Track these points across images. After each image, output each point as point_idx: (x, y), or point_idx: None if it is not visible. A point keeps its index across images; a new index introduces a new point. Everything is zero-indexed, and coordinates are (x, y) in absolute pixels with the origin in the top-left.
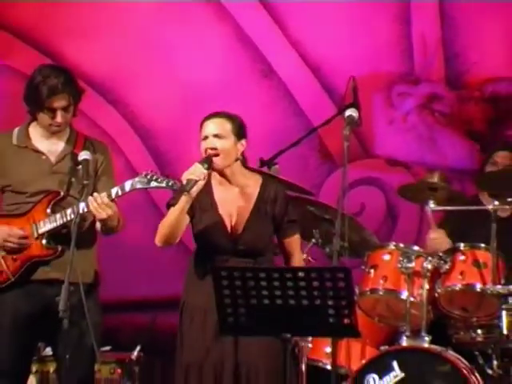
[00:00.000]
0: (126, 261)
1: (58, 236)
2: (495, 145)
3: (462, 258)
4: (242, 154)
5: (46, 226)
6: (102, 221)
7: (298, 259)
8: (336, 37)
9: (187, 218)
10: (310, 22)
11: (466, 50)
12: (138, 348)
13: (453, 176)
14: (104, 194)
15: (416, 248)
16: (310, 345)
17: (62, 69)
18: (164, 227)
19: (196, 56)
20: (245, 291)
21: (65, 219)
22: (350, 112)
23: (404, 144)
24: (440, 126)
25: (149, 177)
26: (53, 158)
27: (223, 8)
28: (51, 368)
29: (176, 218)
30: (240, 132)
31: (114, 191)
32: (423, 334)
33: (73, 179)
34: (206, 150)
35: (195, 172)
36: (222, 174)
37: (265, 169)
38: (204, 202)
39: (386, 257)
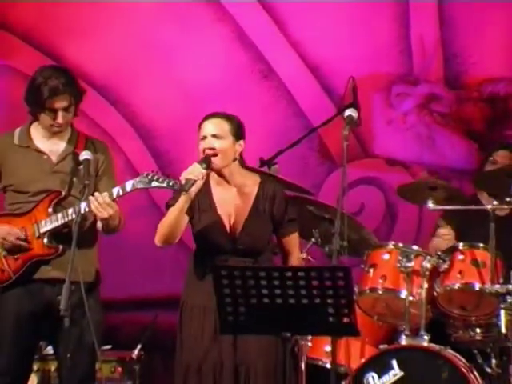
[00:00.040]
0: (126, 260)
1: (59, 235)
2: (494, 144)
3: (461, 257)
4: (240, 154)
5: (47, 226)
6: (104, 220)
7: (296, 257)
8: (335, 37)
9: (186, 218)
10: (309, 22)
11: (464, 50)
12: (139, 347)
13: (451, 175)
14: (105, 194)
15: (415, 247)
16: (309, 343)
17: (63, 70)
18: (163, 227)
19: (196, 56)
20: (245, 290)
21: (66, 219)
22: (350, 112)
23: (403, 144)
24: (439, 126)
25: (150, 177)
26: (54, 158)
27: (223, 8)
28: (52, 366)
29: (175, 217)
30: (238, 132)
31: (115, 191)
32: (422, 332)
33: (74, 179)
34: (204, 150)
35: (194, 172)
36: (220, 174)
37: (265, 168)
38: (203, 202)
39: (386, 256)
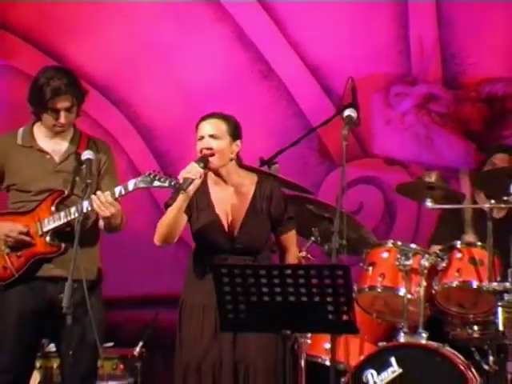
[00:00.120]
0: (128, 258)
1: (61, 234)
2: (493, 147)
3: (459, 255)
4: (237, 154)
5: (50, 224)
6: (106, 219)
7: (294, 253)
8: (334, 38)
9: (185, 217)
10: (309, 22)
11: (462, 50)
12: (140, 344)
13: (449, 175)
14: (108, 193)
15: (413, 246)
16: (309, 341)
17: (66, 70)
18: (162, 226)
19: (196, 56)
20: (245, 288)
21: (69, 217)
22: (349, 112)
23: (401, 143)
24: (437, 126)
25: (151, 176)
26: (57, 158)
27: (223, 8)
28: (55, 364)
29: (174, 216)
30: (235, 133)
31: (117, 190)
32: (420, 330)
33: (77, 178)
34: (201, 150)
35: (192, 171)
36: (217, 173)
37: (265, 168)
38: (201, 202)
39: (384, 254)
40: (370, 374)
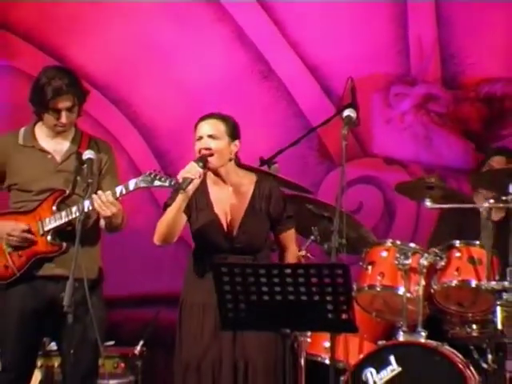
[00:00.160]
0: (129, 257)
1: (63, 233)
2: (491, 150)
3: (458, 254)
4: (236, 154)
5: (51, 224)
6: (107, 218)
7: (293, 252)
8: (334, 38)
9: (184, 217)
10: (308, 22)
11: (461, 51)
12: (141, 343)
13: (448, 175)
14: (108, 193)
15: (412, 245)
16: (308, 339)
17: (67, 70)
18: (162, 226)
19: (196, 56)
20: (245, 287)
21: (70, 217)
22: (348, 112)
23: (401, 143)
24: (436, 126)
25: (152, 176)
26: (58, 157)
27: (223, 8)
28: (56, 362)
29: (173, 216)
30: (234, 133)
31: (118, 190)
32: (419, 329)
33: (78, 178)
34: (200, 150)
35: (191, 170)
36: (216, 173)
37: (265, 168)
38: (200, 201)
39: (383, 253)
40: (370, 373)
